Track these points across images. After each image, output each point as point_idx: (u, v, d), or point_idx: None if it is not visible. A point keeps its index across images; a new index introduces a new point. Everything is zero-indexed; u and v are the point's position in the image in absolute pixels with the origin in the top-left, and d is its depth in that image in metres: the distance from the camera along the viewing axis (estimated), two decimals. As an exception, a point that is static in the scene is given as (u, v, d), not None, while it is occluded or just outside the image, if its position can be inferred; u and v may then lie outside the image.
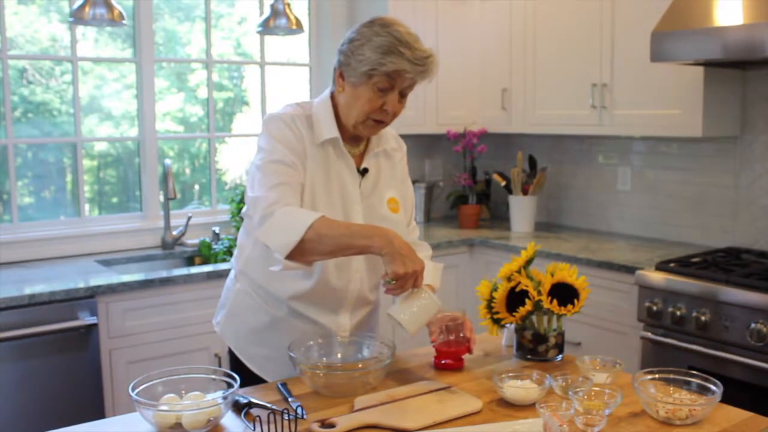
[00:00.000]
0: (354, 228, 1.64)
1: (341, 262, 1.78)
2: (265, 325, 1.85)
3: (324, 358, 1.75)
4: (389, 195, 1.89)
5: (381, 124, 1.77)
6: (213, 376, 1.58)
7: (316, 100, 1.85)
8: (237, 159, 3.90)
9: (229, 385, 1.49)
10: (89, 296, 2.63)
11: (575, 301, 1.78)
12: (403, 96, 1.74)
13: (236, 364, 1.91)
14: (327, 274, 1.78)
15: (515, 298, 1.81)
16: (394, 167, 1.94)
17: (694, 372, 1.58)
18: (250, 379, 1.81)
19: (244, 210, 1.82)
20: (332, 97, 1.81)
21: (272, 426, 1.37)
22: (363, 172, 1.85)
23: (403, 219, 1.91)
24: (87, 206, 3.41)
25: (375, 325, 2.00)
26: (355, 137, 1.83)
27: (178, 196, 3.52)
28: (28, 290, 2.57)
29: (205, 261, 3.39)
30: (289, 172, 1.70)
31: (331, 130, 1.78)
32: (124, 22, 2.94)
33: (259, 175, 1.70)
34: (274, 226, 1.61)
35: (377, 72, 1.67)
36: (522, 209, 3.79)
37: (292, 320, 1.82)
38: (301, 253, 1.58)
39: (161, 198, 3.48)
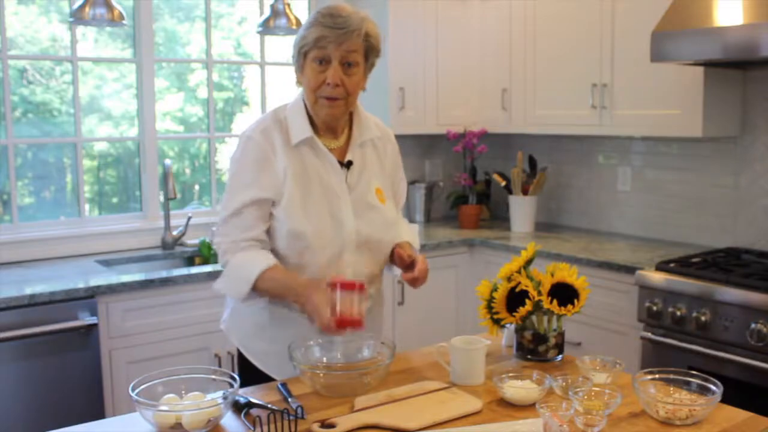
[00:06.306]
0: (288, 283, 1.73)
1: (331, 257, 1.78)
2: (267, 321, 1.86)
3: (324, 358, 1.75)
4: (375, 185, 1.88)
5: (334, 101, 1.76)
6: (213, 376, 1.58)
7: (290, 102, 1.86)
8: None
9: (230, 385, 1.49)
10: (89, 296, 2.63)
11: (575, 301, 1.78)
12: (349, 66, 1.75)
13: (243, 362, 1.91)
14: (319, 270, 1.77)
15: (515, 298, 1.81)
16: (382, 160, 1.93)
17: (694, 372, 1.58)
18: (258, 377, 1.82)
19: None
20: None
21: (272, 426, 1.37)
22: (347, 164, 1.84)
23: (391, 209, 1.90)
24: (87, 206, 3.41)
25: (380, 323, 1.99)
26: (333, 128, 1.83)
27: (178, 196, 3.52)
28: (28, 290, 2.57)
29: (205, 261, 3.39)
30: (248, 209, 1.76)
31: (303, 131, 1.79)
32: (124, 22, 2.94)
33: (223, 213, 1.80)
34: (226, 279, 1.79)
35: (306, 45, 1.74)
36: (522, 209, 3.79)
37: (291, 316, 1.82)
38: (255, 296, 1.76)
39: (161, 198, 3.47)
